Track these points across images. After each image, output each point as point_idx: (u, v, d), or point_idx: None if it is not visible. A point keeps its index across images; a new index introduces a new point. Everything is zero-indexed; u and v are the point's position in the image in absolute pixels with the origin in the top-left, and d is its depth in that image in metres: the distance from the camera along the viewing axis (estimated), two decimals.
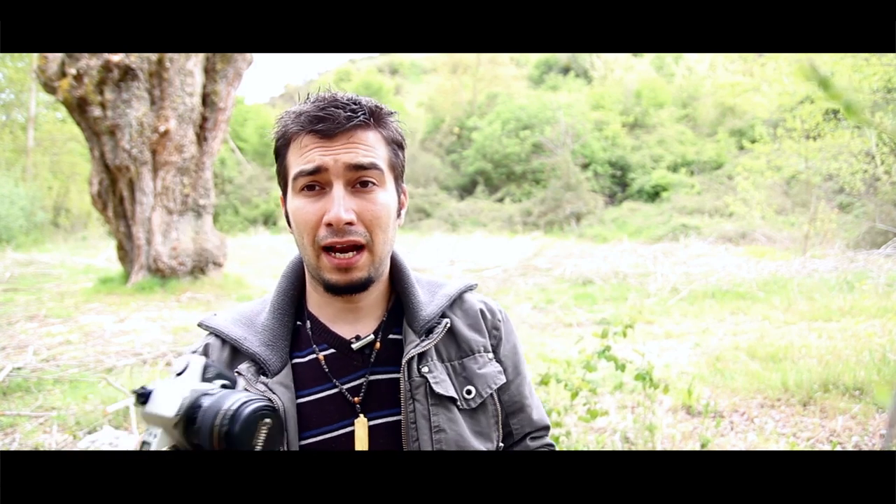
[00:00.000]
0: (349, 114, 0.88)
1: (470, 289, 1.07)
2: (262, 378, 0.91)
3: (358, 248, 0.89)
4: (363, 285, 0.92)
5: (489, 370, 1.01)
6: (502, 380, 1.03)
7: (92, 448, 3.23)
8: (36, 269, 10.67)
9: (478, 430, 0.98)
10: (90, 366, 4.86)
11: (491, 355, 1.04)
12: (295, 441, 0.90)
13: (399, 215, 0.99)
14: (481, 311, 1.06)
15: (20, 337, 5.83)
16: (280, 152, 0.94)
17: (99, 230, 18.72)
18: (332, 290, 0.92)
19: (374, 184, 0.90)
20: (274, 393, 0.90)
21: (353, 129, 0.89)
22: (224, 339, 0.96)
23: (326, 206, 0.88)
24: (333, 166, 0.87)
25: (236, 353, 0.95)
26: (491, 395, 1.00)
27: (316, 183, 0.89)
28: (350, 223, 0.87)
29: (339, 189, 0.88)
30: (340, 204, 0.87)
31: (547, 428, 1.12)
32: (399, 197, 0.98)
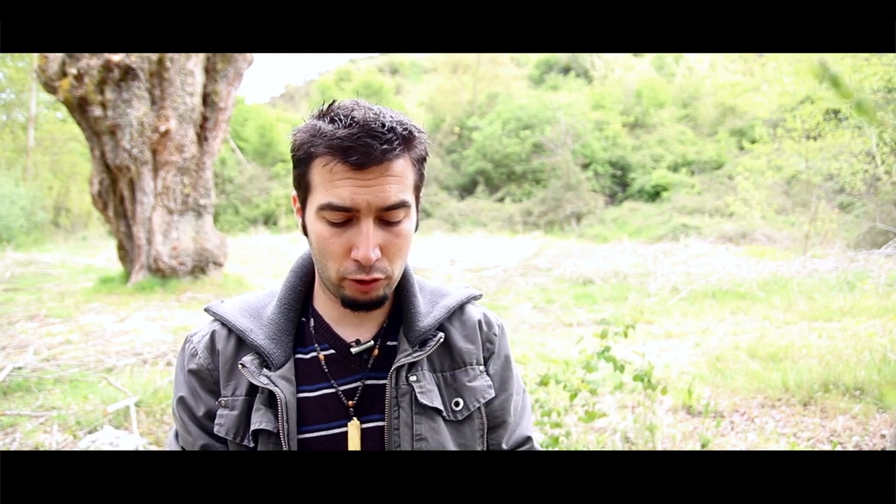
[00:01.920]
0: (385, 146, 0.83)
1: (472, 300, 1.07)
2: (266, 371, 0.93)
3: (380, 278, 0.90)
4: (379, 302, 0.93)
5: (479, 383, 1.02)
6: (491, 394, 1.03)
7: (92, 448, 3.23)
8: (36, 269, 10.67)
9: (462, 442, 0.99)
10: (90, 365, 4.86)
11: (482, 367, 1.04)
12: (294, 435, 0.92)
13: (416, 227, 0.98)
14: (479, 322, 1.06)
15: (20, 337, 5.83)
16: (303, 162, 0.89)
17: (99, 230, 18.72)
18: (350, 306, 0.93)
19: (402, 217, 0.90)
20: (276, 386, 0.91)
21: (387, 162, 0.85)
22: (230, 329, 0.97)
23: (353, 240, 0.87)
24: (366, 208, 0.85)
25: (241, 343, 0.97)
26: (479, 408, 1.01)
27: (345, 219, 0.87)
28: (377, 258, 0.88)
29: (367, 225, 0.86)
30: (369, 243, 0.86)
31: (528, 440, 1.11)
32: (418, 211, 0.97)
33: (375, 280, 0.89)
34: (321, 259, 0.91)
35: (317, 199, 0.88)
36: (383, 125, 0.84)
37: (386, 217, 0.87)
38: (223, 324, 0.98)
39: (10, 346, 5.45)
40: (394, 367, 0.95)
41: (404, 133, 0.86)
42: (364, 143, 0.83)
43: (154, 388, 4.10)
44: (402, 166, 0.87)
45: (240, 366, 0.92)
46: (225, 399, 0.94)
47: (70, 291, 8.56)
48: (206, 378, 0.96)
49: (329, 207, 0.85)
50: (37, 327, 6.28)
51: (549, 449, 2.70)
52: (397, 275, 0.93)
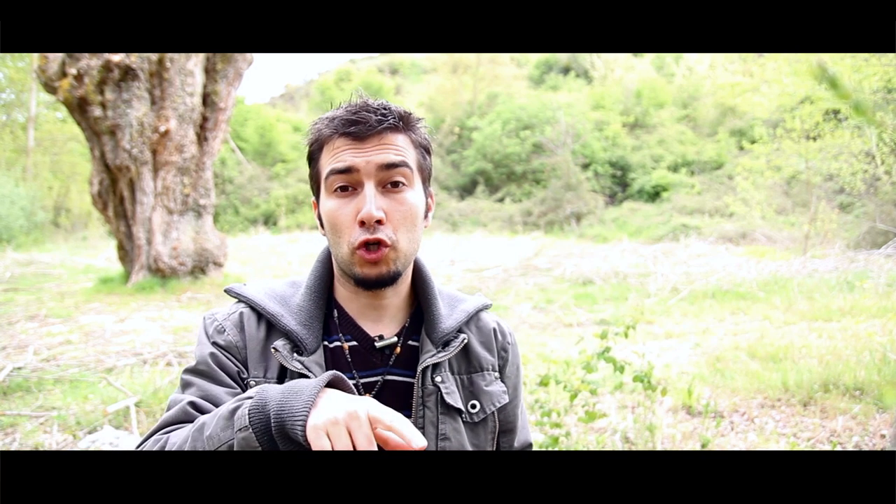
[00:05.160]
0: (380, 117, 0.91)
1: (486, 307, 1.12)
2: (297, 356, 0.94)
3: (386, 245, 0.92)
4: (392, 279, 0.95)
5: (495, 388, 1.06)
6: (506, 399, 1.07)
7: (92, 448, 3.23)
8: (36, 269, 10.67)
9: (476, 443, 1.03)
10: (90, 366, 4.86)
11: (497, 374, 1.08)
12: None
13: (426, 217, 1.02)
14: (494, 330, 1.10)
15: (20, 337, 5.83)
16: (314, 156, 0.97)
17: (99, 230, 18.72)
18: (363, 283, 0.95)
19: (403, 184, 0.93)
20: (311, 372, 0.92)
21: (384, 132, 0.92)
22: (260, 313, 0.98)
23: (359, 206, 0.91)
24: (365, 167, 0.91)
25: (271, 328, 0.98)
26: (493, 412, 1.05)
27: (348, 184, 0.92)
28: (380, 221, 0.90)
29: (370, 188, 0.91)
30: (372, 202, 0.90)
31: (530, 446, 1.17)
32: (426, 199, 1.01)
33: (381, 244, 0.91)
34: (334, 237, 0.94)
35: (324, 175, 0.94)
36: (380, 104, 0.93)
37: (387, 180, 0.92)
38: (251, 307, 0.99)
39: (10, 346, 5.45)
40: (421, 366, 0.97)
41: (400, 111, 0.94)
42: (361, 117, 0.91)
43: (154, 389, 4.09)
44: (400, 140, 0.94)
45: (272, 349, 0.93)
46: (256, 379, 0.94)
47: (70, 291, 8.56)
48: (235, 354, 0.96)
49: (332, 173, 0.92)
50: (37, 327, 6.28)
51: (549, 449, 2.70)
52: (406, 247, 0.94)
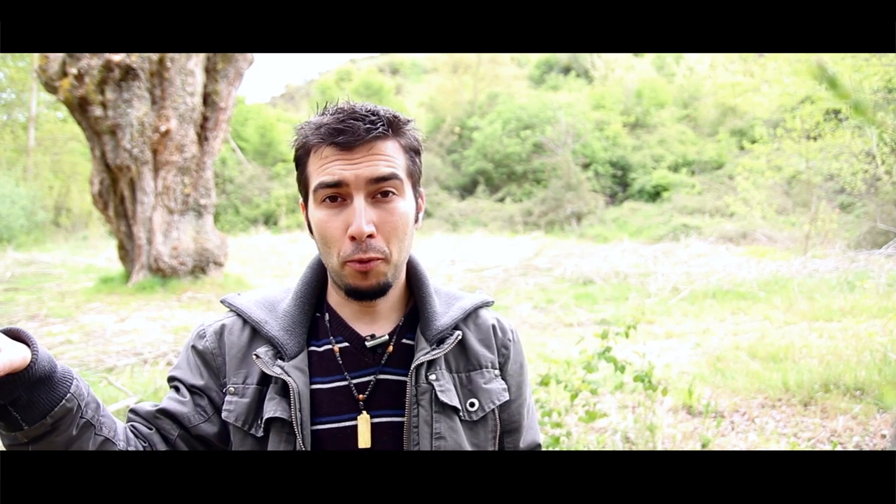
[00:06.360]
0: (368, 125, 0.89)
1: (486, 304, 1.10)
2: (279, 361, 0.94)
3: (377, 259, 0.92)
4: (382, 290, 0.94)
5: (494, 386, 1.04)
6: (506, 397, 1.05)
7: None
8: (37, 269, 10.67)
9: (476, 442, 1.01)
10: (91, 365, 4.86)
11: (497, 372, 1.06)
12: (308, 425, 0.93)
13: (417, 220, 1.01)
14: (493, 327, 1.08)
15: None
16: (301, 161, 0.96)
17: (100, 230, 18.72)
18: (354, 294, 0.94)
19: (393, 193, 0.92)
20: (290, 376, 0.93)
21: (373, 141, 0.90)
22: (245, 320, 1.00)
23: (349, 219, 0.90)
24: (355, 181, 0.89)
25: (255, 334, 0.99)
26: (493, 410, 1.03)
27: (338, 195, 0.91)
28: (371, 235, 0.89)
29: (360, 202, 0.90)
30: (362, 217, 0.89)
31: (538, 446, 1.15)
32: (416, 202, 1.00)
33: (373, 259, 0.90)
34: (323, 248, 0.94)
35: (312, 186, 0.93)
36: (368, 109, 0.90)
37: (377, 191, 0.91)
38: (238, 314, 1.01)
39: None
40: (414, 364, 0.96)
41: (388, 117, 0.92)
42: (349, 125, 0.89)
43: (154, 388, 4.10)
44: (390, 148, 0.92)
45: (254, 356, 0.94)
46: (235, 386, 0.96)
47: (70, 291, 8.56)
48: (209, 361, 0.99)
49: (321, 187, 0.90)
50: (37, 327, 6.28)
51: (550, 449, 2.70)
52: (396, 258, 0.94)
